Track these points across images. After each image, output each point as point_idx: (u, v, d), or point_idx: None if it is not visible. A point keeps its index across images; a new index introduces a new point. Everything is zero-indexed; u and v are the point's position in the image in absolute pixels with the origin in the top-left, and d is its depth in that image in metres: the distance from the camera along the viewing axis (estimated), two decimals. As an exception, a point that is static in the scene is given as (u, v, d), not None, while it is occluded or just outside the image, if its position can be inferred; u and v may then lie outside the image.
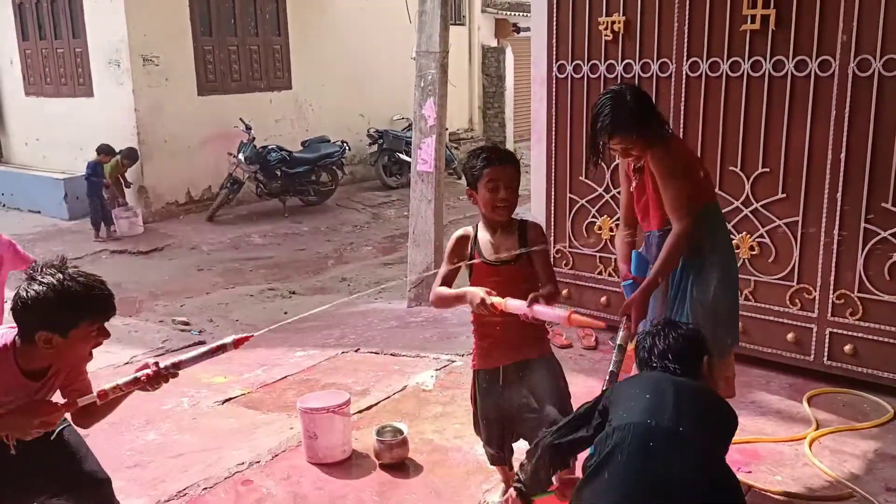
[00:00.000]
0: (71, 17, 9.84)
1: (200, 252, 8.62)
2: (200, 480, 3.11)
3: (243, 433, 3.63)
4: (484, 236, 2.66)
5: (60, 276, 1.97)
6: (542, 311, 2.41)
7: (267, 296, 7.18)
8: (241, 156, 9.53)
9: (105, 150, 8.83)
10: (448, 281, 2.69)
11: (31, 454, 2.16)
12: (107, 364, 5.04)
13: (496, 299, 2.45)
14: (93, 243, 8.74)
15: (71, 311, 1.97)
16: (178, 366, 2.15)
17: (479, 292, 2.47)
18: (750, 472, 3.03)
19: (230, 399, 4.10)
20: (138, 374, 2.13)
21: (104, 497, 2.38)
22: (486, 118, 15.18)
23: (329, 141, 10.69)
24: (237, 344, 2.14)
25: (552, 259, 4.74)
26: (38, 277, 1.97)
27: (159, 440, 3.65)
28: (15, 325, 2.05)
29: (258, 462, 3.26)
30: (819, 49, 3.62)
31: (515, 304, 2.43)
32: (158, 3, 9.30)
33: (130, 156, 8.96)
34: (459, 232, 2.73)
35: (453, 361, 4.34)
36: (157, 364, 2.13)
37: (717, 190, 3.93)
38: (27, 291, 1.96)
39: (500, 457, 2.81)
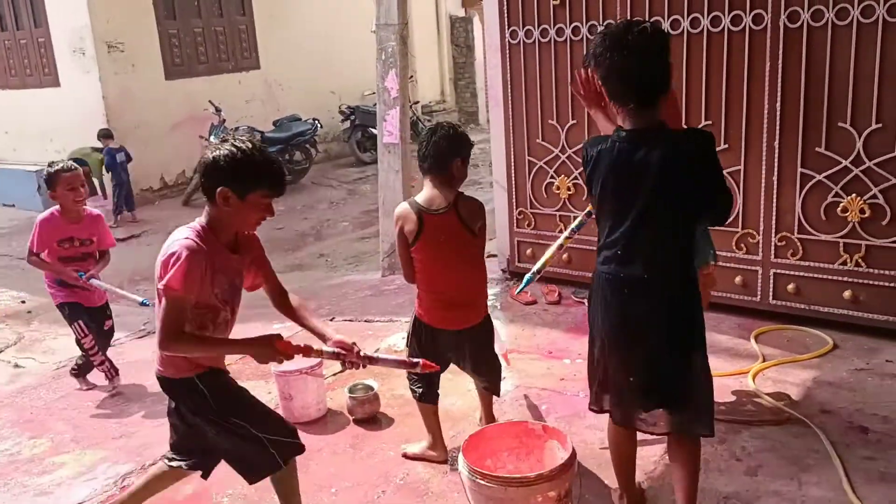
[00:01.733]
0: (32, 6, 9.81)
1: (178, 236, 8.73)
2: (183, 444, 3.28)
3: (224, 400, 3.80)
4: None
5: (251, 144, 2.17)
6: None
7: (245, 274, 7.32)
8: (212, 138, 9.59)
9: (110, 134, 8.99)
10: None
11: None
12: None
13: None
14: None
15: (254, 175, 2.15)
16: (372, 360, 2.36)
17: None
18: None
19: (211, 371, 4.26)
20: (340, 352, 2.32)
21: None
22: (457, 89, 15.25)
23: (301, 119, 10.76)
24: (424, 367, 2.40)
25: (515, 221, 4.94)
26: (232, 140, 2.17)
27: (143, 412, 3.82)
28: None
29: (238, 424, 3.44)
30: (752, 3, 3.78)
31: None
32: (120, -12, 9.32)
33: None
34: None
35: (424, 323, 4.52)
36: (359, 353, 2.33)
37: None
38: (220, 150, 2.15)
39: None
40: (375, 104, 5.96)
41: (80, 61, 9.37)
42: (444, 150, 2.81)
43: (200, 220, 2.24)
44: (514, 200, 4.93)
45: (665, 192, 2.17)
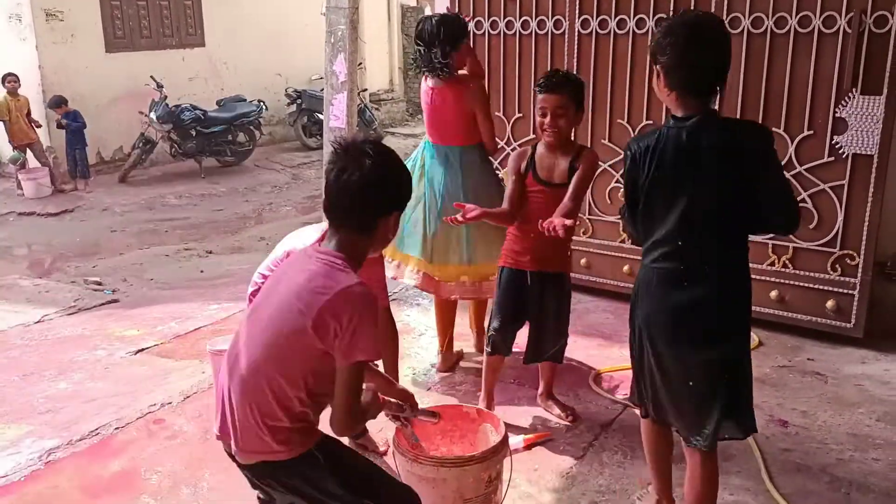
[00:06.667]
0: (-36, -33, 9.35)
1: (113, 213, 8.47)
2: (113, 421, 3.22)
3: (156, 379, 3.74)
4: (541, 152, 2.91)
5: None
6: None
7: (183, 255, 7.16)
8: (153, 115, 9.35)
9: (64, 100, 8.81)
10: (513, 195, 2.92)
11: None
12: (17, 323, 5.01)
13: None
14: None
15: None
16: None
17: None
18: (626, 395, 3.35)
19: (143, 349, 4.17)
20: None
21: None
22: (406, 79, 15.20)
23: (245, 100, 10.56)
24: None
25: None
26: None
27: (72, 388, 3.71)
28: None
29: (170, 403, 3.39)
30: (696, 5, 3.89)
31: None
32: (61, -46, 8.97)
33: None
34: (519, 150, 3.04)
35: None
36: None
37: (606, 141, 4.29)
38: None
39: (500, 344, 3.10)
40: (323, 89, 5.91)
41: (16, 28, 8.98)
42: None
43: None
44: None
45: (724, 183, 2.07)
